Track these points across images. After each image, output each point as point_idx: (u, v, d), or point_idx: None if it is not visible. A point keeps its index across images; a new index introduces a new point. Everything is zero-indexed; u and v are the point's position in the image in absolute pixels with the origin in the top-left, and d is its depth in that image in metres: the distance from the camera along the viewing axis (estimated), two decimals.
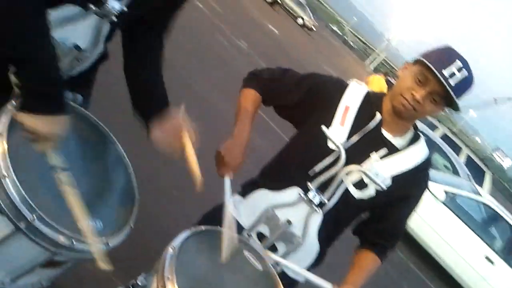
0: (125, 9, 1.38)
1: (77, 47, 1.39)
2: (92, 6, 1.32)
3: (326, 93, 1.83)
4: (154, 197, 3.46)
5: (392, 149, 1.77)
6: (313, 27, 43.07)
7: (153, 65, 1.67)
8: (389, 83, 17.11)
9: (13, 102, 1.26)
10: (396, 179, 1.75)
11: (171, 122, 1.57)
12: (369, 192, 1.75)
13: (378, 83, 16.53)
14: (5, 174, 1.14)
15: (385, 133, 1.78)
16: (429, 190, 7.84)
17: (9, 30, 1.16)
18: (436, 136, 12.76)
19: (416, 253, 8.07)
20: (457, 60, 1.63)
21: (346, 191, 1.74)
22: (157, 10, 1.55)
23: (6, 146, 1.14)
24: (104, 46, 1.50)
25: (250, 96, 1.89)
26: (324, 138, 1.75)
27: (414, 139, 1.82)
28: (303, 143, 1.85)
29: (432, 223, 7.97)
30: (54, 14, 1.28)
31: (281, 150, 1.94)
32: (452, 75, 1.61)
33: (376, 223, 1.86)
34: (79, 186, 1.31)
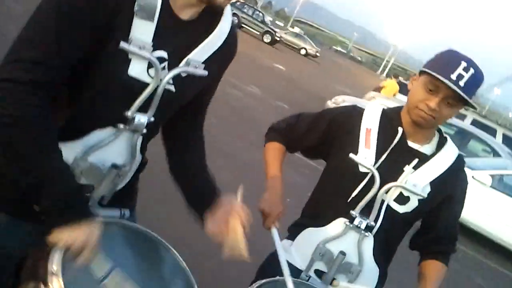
0: (153, 119, 1.38)
1: (115, 166, 1.41)
2: (121, 125, 1.34)
3: (345, 123, 1.88)
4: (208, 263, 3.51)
5: (423, 158, 1.80)
6: (317, 53, 43.69)
7: (197, 152, 1.66)
8: (401, 84, 17.34)
9: None
10: (434, 184, 1.78)
11: (223, 210, 1.51)
12: (412, 204, 1.78)
13: (391, 87, 16.86)
14: None
15: (411, 144, 1.82)
16: (474, 179, 7.85)
17: (20, 156, 1.16)
18: (467, 124, 12.64)
19: (482, 245, 7.91)
20: (462, 62, 1.66)
21: (390, 208, 1.78)
22: (189, 108, 1.54)
23: (62, 284, 1.13)
24: (140, 156, 1.50)
25: (275, 148, 1.99)
26: (355, 164, 1.80)
27: (441, 142, 1.85)
28: (335, 175, 1.90)
29: (487, 210, 7.94)
30: (88, 140, 1.32)
31: (316, 186, 1.99)
32: (460, 77, 1.64)
33: (429, 232, 1.89)
34: None
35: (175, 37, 1.32)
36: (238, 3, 37.37)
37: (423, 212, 1.83)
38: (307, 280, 1.80)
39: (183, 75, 1.36)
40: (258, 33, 33.39)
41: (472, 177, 7.92)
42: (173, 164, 1.64)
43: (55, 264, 1.16)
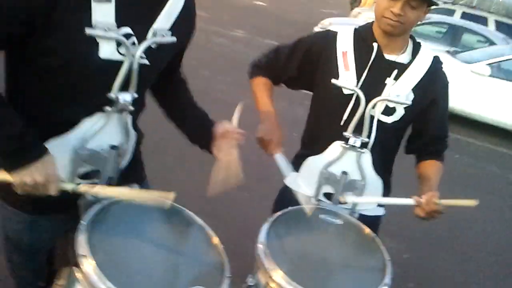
0: (136, 95, 1.43)
1: (113, 147, 1.47)
2: (108, 108, 1.41)
3: (320, 49, 1.95)
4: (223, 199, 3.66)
5: (401, 67, 1.88)
6: None
7: (182, 92, 1.77)
8: None
9: (82, 222, 1.32)
10: (416, 90, 1.87)
11: (219, 135, 1.62)
12: (399, 112, 1.88)
13: None
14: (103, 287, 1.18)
15: (388, 56, 1.89)
16: (473, 72, 7.89)
17: None
18: (457, 19, 12.51)
19: (491, 134, 8.05)
20: None
21: (379, 122, 1.88)
22: (166, 68, 1.58)
23: (94, 262, 1.20)
24: (135, 130, 1.56)
25: (260, 82, 2.09)
26: (338, 88, 1.88)
27: (416, 49, 1.93)
28: (323, 102, 1.99)
29: (490, 100, 8.03)
30: (81, 129, 1.39)
31: (308, 116, 2.09)
32: None
33: (420, 135, 2.00)
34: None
35: (135, 11, 1.34)
36: None
37: (411, 119, 1.93)
38: (318, 204, 1.92)
39: (153, 46, 1.40)
40: None
41: (471, 70, 7.94)
42: (167, 110, 1.74)
43: (82, 246, 1.25)
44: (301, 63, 1.99)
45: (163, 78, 1.61)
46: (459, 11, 13.82)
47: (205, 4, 15.90)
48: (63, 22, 1.24)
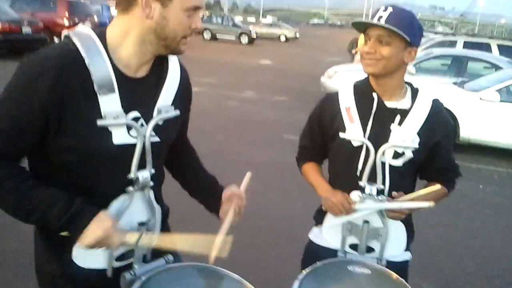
0: (153, 171, 1.52)
1: (142, 224, 1.55)
2: (130, 188, 1.49)
3: (328, 112, 2.07)
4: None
5: (403, 113, 1.96)
6: (296, 34, 43.71)
7: (189, 158, 1.87)
8: None
9: (125, 276, 1.49)
10: (421, 132, 1.94)
11: (225, 197, 1.71)
12: (408, 155, 1.94)
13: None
14: None
15: (389, 104, 1.97)
16: (483, 100, 7.93)
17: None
18: (460, 49, 12.67)
19: None
20: (381, 7, 1.88)
21: (391, 167, 1.94)
22: (174, 141, 1.69)
23: None
24: (159, 204, 1.63)
25: (307, 168, 2.22)
26: (348, 141, 1.97)
27: (414, 93, 2.01)
28: (336, 157, 2.08)
29: (505, 125, 8.01)
30: (110, 213, 1.46)
31: (328, 172, 2.17)
32: (380, 17, 1.84)
33: (430, 167, 2.05)
34: None
35: (137, 94, 1.46)
36: (204, 17, 37.64)
37: (420, 159, 1.98)
38: (345, 256, 1.96)
39: (160, 123, 1.51)
40: (234, 37, 33.61)
41: (480, 98, 7.98)
42: (181, 180, 1.85)
43: None
44: (322, 134, 2.12)
45: (173, 151, 1.71)
46: (460, 41, 14.02)
47: (213, 71, 16.43)
48: (74, 120, 1.35)
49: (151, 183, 1.54)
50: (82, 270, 1.51)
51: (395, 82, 1.97)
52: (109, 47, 1.41)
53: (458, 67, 10.83)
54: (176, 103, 1.57)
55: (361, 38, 15.87)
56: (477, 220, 5.54)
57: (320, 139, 2.14)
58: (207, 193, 1.78)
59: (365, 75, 2.04)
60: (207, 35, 33.54)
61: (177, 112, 1.58)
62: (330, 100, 2.08)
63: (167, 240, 1.49)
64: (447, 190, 2.07)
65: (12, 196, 1.36)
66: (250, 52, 27.23)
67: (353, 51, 15.95)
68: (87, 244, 1.37)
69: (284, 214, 5.11)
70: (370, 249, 1.98)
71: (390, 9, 1.84)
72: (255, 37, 34.56)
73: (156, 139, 1.51)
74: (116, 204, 1.49)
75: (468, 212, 5.59)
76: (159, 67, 1.54)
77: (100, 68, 1.37)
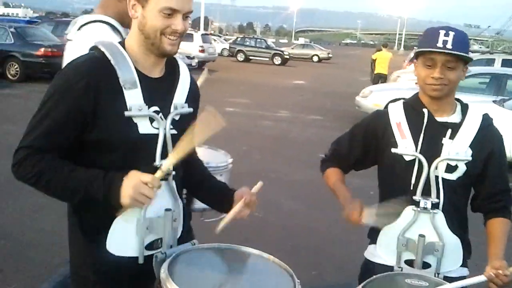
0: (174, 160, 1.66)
1: (168, 210, 1.72)
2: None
3: (377, 127, 2.08)
4: None
5: (455, 126, 1.97)
6: (329, 55, 43.81)
7: (197, 165, 2.00)
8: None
9: (157, 255, 1.65)
10: (473, 146, 1.94)
11: (237, 197, 1.81)
12: (461, 169, 1.94)
13: (382, 57, 16.64)
14: None
15: (440, 119, 1.99)
16: None
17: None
18: (498, 68, 12.47)
19: None
20: (440, 31, 1.89)
21: (445, 180, 1.94)
22: None
23: None
24: (180, 200, 1.79)
25: (331, 173, 2.22)
26: (400, 157, 1.98)
27: (464, 109, 2.02)
28: (389, 173, 2.08)
29: None
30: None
31: (379, 188, 2.17)
32: (445, 42, 1.86)
33: (483, 190, 2.03)
34: None
35: (156, 92, 1.67)
36: (238, 39, 38.09)
37: (474, 174, 1.98)
38: (401, 271, 1.95)
39: (176, 118, 1.71)
40: (267, 59, 33.88)
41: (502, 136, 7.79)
42: (188, 182, 1.92)
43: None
44: (363, 145, 2.13)
45: (185, 160, 1.77)
46: (499, 59, 13.83)
47: (247, 92, 16.58)
48: (105, 113, 1.58)
49: (173, 172, 1.70)
50: (115, 259, 1.66)
51: (450, 100, 2.01)
52: (128, 51, 1.66)
53: (497, 85, 10.65)
54: (188, 101, 1.78)
55: (377, 55, 15.84)
56: None
57: (359, 150, 2.15)
58: (221, 195, 1.90)
59: (400, 94, 2.07)
60: (240, 57, 33.92)
61: (191, 110, 1.78)
62: (380, 115, 2.10)
63: (183, 145, 1.61)
64: (509, 221, 2.01)
65: (57, 180, 1.56)
66: (284, 72, 27.39)
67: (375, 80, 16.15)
68: (126, 202, 1.53)
69: (324, 233, 5.09)
70: (426, 265, 1.96)
71: (452, 33, 1.87)
72: (287, 57, 34.78)
73: (174, 131, 1.69)
74: None
75: None
76: (172, 69, 1.78)
77: (124, 68, 1.61)
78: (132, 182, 1.53)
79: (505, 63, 13.45)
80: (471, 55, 1.97)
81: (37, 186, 1.57)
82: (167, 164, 1.63)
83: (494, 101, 8.88)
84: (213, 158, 2.68)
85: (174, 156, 1.62)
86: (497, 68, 12.71)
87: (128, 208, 1.58)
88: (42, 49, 14.55)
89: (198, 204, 2.31)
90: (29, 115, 1.61)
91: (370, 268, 2.02)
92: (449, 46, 1.85)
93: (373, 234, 2.11)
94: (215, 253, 1.79)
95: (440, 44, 1.86)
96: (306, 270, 4.20)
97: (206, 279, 1.62)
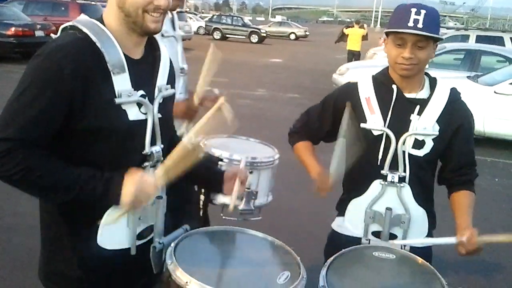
0: (162, 146, 1.63)
1: (158, 197, 1.64)
2: (146, 164, 1.57)
3: (345, 100, 2.08)
4: None
5: (423, 102, 2.00)
6: (306, 32, 43.70)
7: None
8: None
9: (155, 246, 1.62)
10: (440, 121, 1.98)
11: (228, 176, 1.83)
12: (429, 144, 1.98)
13: (354, 34, 16.93)
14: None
15: (408, 95, 2.02)
16: (497, 93, 7.90)
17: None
18: (472, 44, 12.62)
19: None
20: (411, 9, 1.88)
21: (412, 156, 1.98)
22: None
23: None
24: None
25: (301, 146, 2.25)
26: (368, 131, 2.01)
27: (433, 84, 2.05)
28: None
29: None
30: None
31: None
32: (416, 21, 1.86)
33: (449, 164, 2.08)
34: None
35: (140, 74, 1.56)
36: (214, 17, 37.68)
37: (441, 149, 2.02)
38: (368, 243, 2.01)
39: (160, 101, 1.62)
40: (244, 37, 33.64)
41: (494, 92, 7.96)
42: None
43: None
44: (333, 117, 2.14)
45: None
46: (473, 36, 13.97)
47: (224, 70, 16.45)
48: (94, 100, 1.44)
49: (162, 158, 1.61)
50: (106, 253, 1.57)
51: (419, 77, 2.03)
52: (109, 30, 1.51)
53: (471, 61, 10.79)
54: (169, 82, 1.70)
55: (349, 31, 16.06)
56: (493, 213, 5.54)
57: (329, 123, 2.16)
58: (209, 175, 1.88)
59: (376, 71, 2.09)
60: (217, 35, 33.61)
61: (173, 91, 1.72)
62: (350, 89, 2.11)
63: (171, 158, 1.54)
64: (473, 193, 2.06)
65: (48, 178, 1.41)
66: (261, 51, 27.24)
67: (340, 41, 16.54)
68: (127, 200, 1.44)
69: (301, 211, 5.16)
70: (393, 236, 2.02)
71: (423, 12, 1.86)
72: (264, 35, 34.59)
73: (159, 115, 1.61)
74: None
75: (484, 206, 5.58)
76: (151, 49, 1.66)
77: (111, 51, 1.47)
78: (135, 179, 1.44)
79: (479, 39, 13.60)
80: (446, 31, 1.99)
81: (21, 184, 1.41)
82: (168, 164, 1.53)
83: (468, 77, 9.00)
84: (258, 152, 2.41)
85: (175, 155, 1.54)
86: (471, 44, 12.85)
87: (124, 209, 1.47)
88: (13, 29, 14.19)
89: (219, 199, 2.23)
90: (1, 99, 1.47)
91: (336, 239, 2.06)
92: (420, 25, 1.84)
93: (341, 206, 2.16)
94: (212, 236, 1.81)
95: (411, 24, 1.85)
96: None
97: (214, 264, 1.64)
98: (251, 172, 2.19)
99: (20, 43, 14.19)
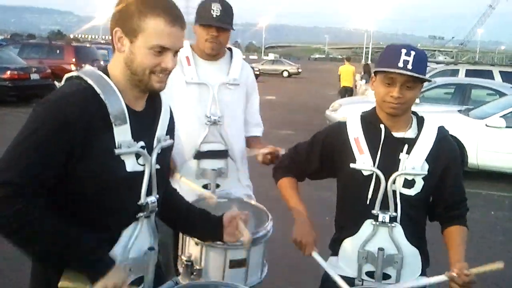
0: (157, 196, 1.62)
1: (150, 249, 1.65)
2: (141, 214, 1.60)
3: (335, 140, 2.12)
4: None
5: (411, 141, 2.03)
6: (298, 70, 44.26)
7: (184, 201, 1.94)
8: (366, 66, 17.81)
9: None
10: (429, 160, 2.00)
11: (226, 220, 1.81)
12: (419, 184, 2.00)
13: (345, 72, 17.43)
14: None
15: (396, 134, 2.04)
16: (489, 126, 7.98)
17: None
18: (462, 78, 12.81)
19: None
20: (401, 50, 1.91)
21: (402, 195, 1.99)
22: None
23: None
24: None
25: (286, 183, 2.25)
26: (358, 171, 2.02)
27: (420, 122, 2.08)
28: (347, 186, 2.13)
29: None
30: (121, 242, 1.55)
31: (337, 201, 2.21)
32: (406, 62, 1.89)
33: (440, 201, 2.09)
34: None
35: (141, 125, 1.58)
36: None
37: (432, 187, 2.04)
38: (362, 284, 2.00)
39: (159, 151, 1.63)
40: None
41: (486, 125, 8.03)
42: (167, 217, 1.87)
43: None
44: (321, 155, 2.16)
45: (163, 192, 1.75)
46: (462, 70, 14.20)
47: None
48: (95, 150, 1.45)
49: (157, 209, 1.64)
50: None
51: (406, 116, 2.06)
52: (113, 81, 1.53)
53: (462, 95, 10.92)
54: (169, 132, 1.71)
55: (341, 69, 16.35)
56: (490, 246, 5.51)
57: (317, 160, 2.18)
58: (208, 224, 1.86)
59: (369, 107, 2.12)
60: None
61: (172, 141, 1.73)
62: (340, 129, 2.13)
63: None
64: (466, 228, 2.07)
65: (45, 235, 1.40)
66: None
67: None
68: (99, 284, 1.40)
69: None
70: (386, 276, 2.01)
71: (413, 54, 1.89)
72: (258, 73, 34.96)
73: (157, 166, 1.62)
74: (127, 233, 1.57)
75: (480, 239, 5.56)
76: (152, 101, 1.68)
77: (114, 103, 1.49)
78: (116, 277, 1.41)
79: (469, 73, 13.81)
80: (436, 66, 2.02)
81: (13, 236, 1.38)
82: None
83: (459, 111, 9.09)
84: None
85: None
86: (461, 78, 13.04)
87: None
88: (8, 72, 14.29)
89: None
90: None
91: (331, 280, 2.04)
92: (409, 66, 1.87)
93: (334, 246, 2.15)
94: None
95: (401, 64, 1.88)
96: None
97: None
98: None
99: (15, 86, 14.26)
